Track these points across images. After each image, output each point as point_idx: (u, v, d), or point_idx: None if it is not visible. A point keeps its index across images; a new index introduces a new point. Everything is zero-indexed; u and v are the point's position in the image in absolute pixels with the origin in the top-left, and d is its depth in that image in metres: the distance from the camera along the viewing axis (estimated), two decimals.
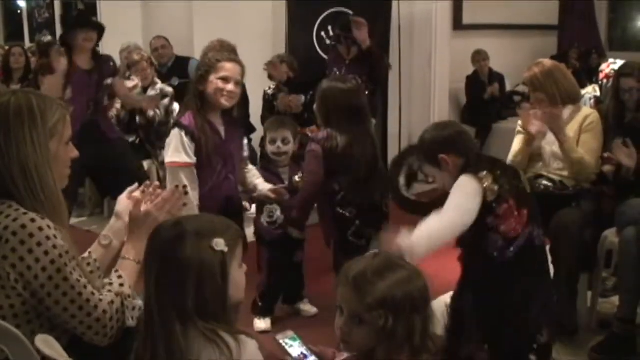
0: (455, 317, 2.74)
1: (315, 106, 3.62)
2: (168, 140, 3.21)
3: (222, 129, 3.26)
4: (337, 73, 5.32)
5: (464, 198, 2.57)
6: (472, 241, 2.65)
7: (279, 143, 3.72)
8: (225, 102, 3.21)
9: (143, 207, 2.21)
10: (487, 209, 2.58)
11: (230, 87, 3.19)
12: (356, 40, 5.29)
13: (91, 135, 4.61)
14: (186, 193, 2.37)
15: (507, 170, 2.73)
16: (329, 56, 5.75)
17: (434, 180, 2.80)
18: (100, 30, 4.67)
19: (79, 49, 4.59)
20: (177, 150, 3.14)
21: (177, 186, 2.31)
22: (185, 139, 3.13)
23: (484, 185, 2.56)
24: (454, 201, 2.57)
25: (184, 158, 3.13)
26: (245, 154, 3.57)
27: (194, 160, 3.15)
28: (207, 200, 3.18)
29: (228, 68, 3.21)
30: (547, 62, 3.81)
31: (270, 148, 3.74)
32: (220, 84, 3.18)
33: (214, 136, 3.20)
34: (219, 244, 1.69)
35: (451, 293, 2.86)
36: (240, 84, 3.28)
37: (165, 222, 1.79)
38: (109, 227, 2.29)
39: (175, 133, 3.17)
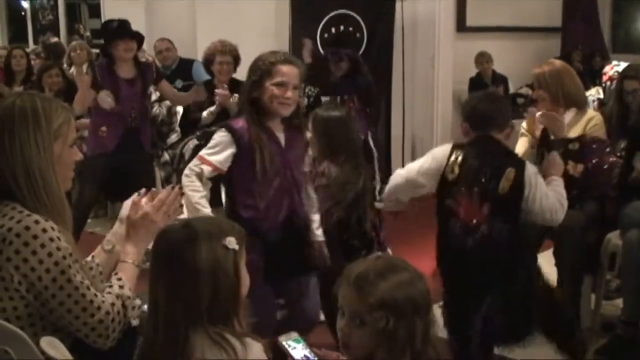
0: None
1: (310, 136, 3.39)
2: (214, 136, 2.98)
3: (282, 136, 2.93)
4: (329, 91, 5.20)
5: (430, 157, 2.97)
6: (439, 226, 2.87)
7: None
8: (282, 110, 2.86)
9: (140, 211, 2.20)
10: (446, 189, 2.80)
11: (288, 94, 2.82)
12: (343, 56, 5.21)
13: (128, 144, 4.69)
14: (182, 194, 2.31)
15: (489, 165, 2.79)
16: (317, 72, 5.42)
17: None
18: (139, 39, 4.72)
19: (119, 60, 4.63)
20: (211, 147, 2.91)
21: (173, 187, 2.30)
22: (228, 141, 2.87)
23: (449, 161, 2.81)
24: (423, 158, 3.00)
25: (211, 158, 2.89)
26: (307, 168, 3.12)
27: (220, 166, 2.88)
28: (266, 217, 2.87)
29: (284, 72, 2.83)
30: (559, 63, 3.80)
31: None
32: (275, 90, 2.82)
33: (271, 145, 2.87)
34: (232, 242, 1.70)
35: None
36: (299, 88, 2.94)
37: (173, 224, 1.79)
38: (112, 232, 2.28)
39: (220, 133, 2.92)
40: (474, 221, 2.75)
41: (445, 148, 2.88)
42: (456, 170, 2.77)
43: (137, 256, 2.13)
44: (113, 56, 4.64)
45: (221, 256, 1.68)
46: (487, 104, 2.93)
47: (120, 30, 4.63)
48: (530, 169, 2.85)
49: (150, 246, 1.95)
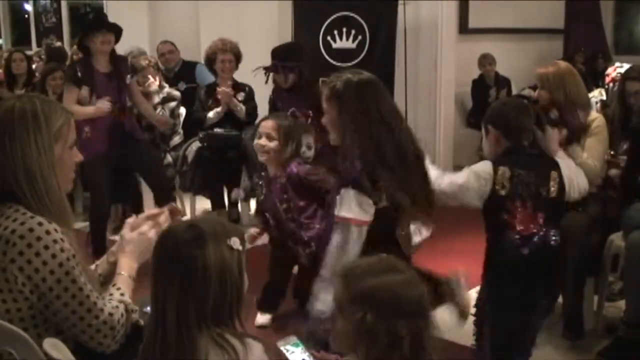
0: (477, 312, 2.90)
1: None
2: None
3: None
4: (279, 105, 5.00)
5: (473, 176, 2.79)
6: (491, 237, 2.83)
7: (304, 148, 3.66)
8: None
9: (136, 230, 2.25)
10: (499, 204, 2.75)
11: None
12: (293, 68, 4.91)
13: (117, 138, 4.63)
14: (172, 213, 2.34)
15: (535, 174, 2.79)
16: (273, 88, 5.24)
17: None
18: (117, 32, 4.62)
19: (97, 53, 4.55)
20: None
21: (169, 207, 2.33)
22: None
23: (497, 177, 2.75)
24: (464, 173, 2.82)
25: None
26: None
27: None
28: None
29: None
30: (564, 65, 3.77)
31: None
32: None
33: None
34: (236, 242, 1.71)
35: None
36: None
37: (176, 225, 1.79)
38: (117, 244, 2.30)
39: None
40: (531, 231, 2.75)
41: (487, 167, 2.80)
42: (507, 185, 2.75)
43: (130, 269, 2.17)
44: (90, 50, 4.55)
45: (227, 256, 1.68)
46: (523, 116, 2.90)
47: (97, 22, 4.56)
48: (562, 163, 2.89)
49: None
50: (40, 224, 1.87)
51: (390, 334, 1.60)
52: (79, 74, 4.57)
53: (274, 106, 5.13)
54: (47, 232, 1.87)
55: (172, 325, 1.64)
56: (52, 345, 1.79)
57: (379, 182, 2.54)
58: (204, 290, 1.65)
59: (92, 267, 2.25)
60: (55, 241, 1.88)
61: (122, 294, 2.07)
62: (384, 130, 2.60)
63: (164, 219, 2.26)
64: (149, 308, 1.80)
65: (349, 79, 2.66)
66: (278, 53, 4.93)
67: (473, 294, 2.91)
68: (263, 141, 3.54)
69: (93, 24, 4.56)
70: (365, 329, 1.61)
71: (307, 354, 1.91)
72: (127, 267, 2.17)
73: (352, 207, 2.52)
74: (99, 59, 4.58)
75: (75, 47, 7.80)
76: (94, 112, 4.53)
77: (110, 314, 1.96)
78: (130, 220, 2.27)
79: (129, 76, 4.77)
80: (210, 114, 5.46)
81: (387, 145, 2.58)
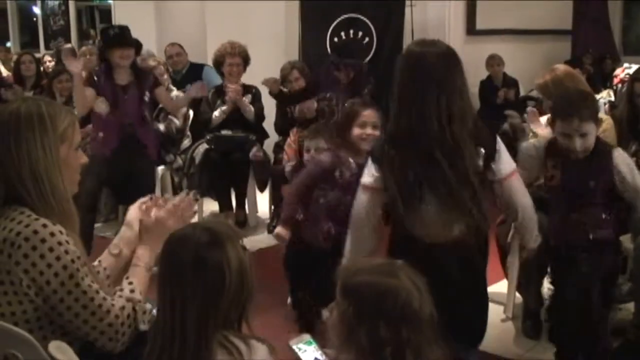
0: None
1: None
2: None
3: None
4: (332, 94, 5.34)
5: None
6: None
7: (312, 152, 3.64)
8: None
9: (153, 215, 2.23)
10: None
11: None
12: (354, 66, 5.48)
13: (126, 149, 4.67)
14: (196, 200, 2.33)
15: None
16: (323, 78, 5.59)
17: (587, 137, 3.02)
18: (137, 47, 4.73)
19: (116, 66, 4.64)
20: None
21: (188, 193, 2.31)
22: None
23: None
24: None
25: None
26: None
27: None
28: None
29: None
30: (561, 69, 3.76)
31: (306, 156, 3.70)
32: None
33: None
34: (246, 242, 1.72)
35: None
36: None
37: (186, 230, 1.77)
38: (119, 236, 2.29)
39: None
40: None
41: None
42: None
43: (149, 260, 2.16)
44: (110, 62, 4.65)
45: (243, 257, 1.69)
46: None
47: (117, 37, 4.64)
48: None
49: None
50: (44, 225, 1.87)
51: (370, 334, 1.56)
52: (96, 81, 4.66)
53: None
54: (52, 234, 1.87)
55: (192, 330, 1.63)
56: (57, 347, 1.79)
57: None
58: (227, 292, 1.64)
59: (95, 262, 2.24)
60: (60, 243, 1.87)
61: (132, 291, 2.05)
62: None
63: (187, 205, 2.26)
64: (154, 312, 1.79)
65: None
66: (340, 52, 5.48)
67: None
68: (370, 131, 3.35)
69: (113, 39, 4.62)
70: (347, 324, 1.60)
71: (319, 352, 1.89)
72: (146, 257, 2.16)
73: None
74: (118, 71, 4.67)
75: (83, 49, 7.86)
76: (81, 96, 4.56)
77: (117, 316, 1.95)
78: (148, 203, 2.26)
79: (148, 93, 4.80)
80: (216, 113, 5.47)
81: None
